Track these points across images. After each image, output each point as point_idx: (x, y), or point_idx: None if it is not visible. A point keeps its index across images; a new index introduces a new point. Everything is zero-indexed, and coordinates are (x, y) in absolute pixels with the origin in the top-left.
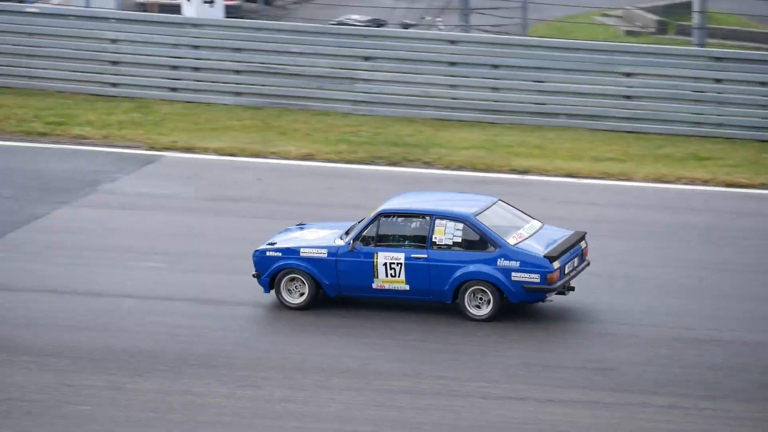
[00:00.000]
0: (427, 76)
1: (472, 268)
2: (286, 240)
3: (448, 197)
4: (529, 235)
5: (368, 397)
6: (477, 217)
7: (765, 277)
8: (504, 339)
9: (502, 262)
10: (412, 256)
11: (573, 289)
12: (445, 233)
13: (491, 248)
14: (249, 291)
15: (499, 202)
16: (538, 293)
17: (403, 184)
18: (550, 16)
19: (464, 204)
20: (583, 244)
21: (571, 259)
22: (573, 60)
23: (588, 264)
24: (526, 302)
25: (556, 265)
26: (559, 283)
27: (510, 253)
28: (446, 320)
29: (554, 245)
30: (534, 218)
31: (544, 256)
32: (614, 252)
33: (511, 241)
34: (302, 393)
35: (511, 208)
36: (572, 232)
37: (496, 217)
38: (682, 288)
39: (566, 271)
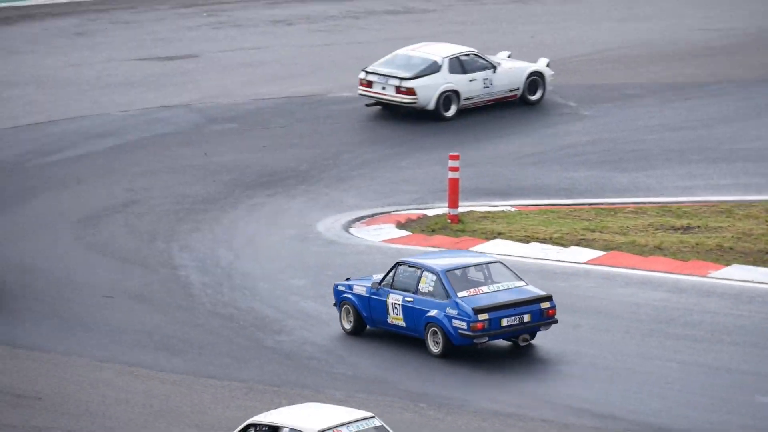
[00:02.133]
0: None
1: (432, 312)
2: (360, 277)
3: (456, 255)
4: (491, 291)
5: None
6: (448, 273)
7: None
8: None
9: (449, 310)
10: (406, 299)
11: (527, 340)
12: (426, 282)
13: (447, 298)
14: None
15: (498, 263)
16: (468, 338)
17: None
18: None
19: (453, 260)
20: (545, 305)
21: (517, 315)
22: None
23: (553, 322)
24: (463, 345)
25: (483, 317)
26: (484, 333)
27: (453, 304)
28: None
29: (496, 301)
30: (522, 279)
31: (472, 308)
32: None
33: (463, 294)
34: None
35: (506, 269)
36: (538, 293)
37: (476, 273)
38: None
39: (502, 324)
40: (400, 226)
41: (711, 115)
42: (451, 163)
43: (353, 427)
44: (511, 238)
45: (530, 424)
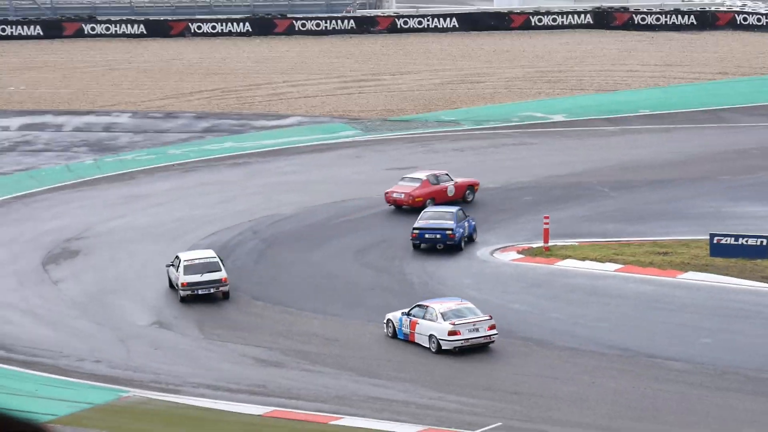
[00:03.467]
0: None
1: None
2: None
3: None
4: (463, 320)
5: None
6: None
7: None
8: None
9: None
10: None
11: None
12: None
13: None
14: None
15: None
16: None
17: None
18: None
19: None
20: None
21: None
22: None
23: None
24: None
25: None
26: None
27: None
28: None
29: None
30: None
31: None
32: None
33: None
34: None
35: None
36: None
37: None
38: None
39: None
40: (519, 252)
41: (677, 196)
42: (545, 220)
43: None
44: (575, 258)
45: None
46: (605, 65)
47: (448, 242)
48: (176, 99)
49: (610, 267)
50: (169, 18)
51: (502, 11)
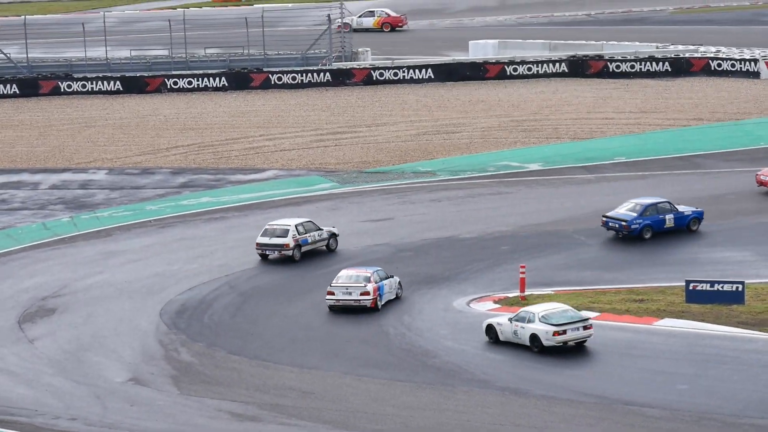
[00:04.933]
0: None
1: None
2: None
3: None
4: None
5: None
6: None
7: None
8: None
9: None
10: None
11: None
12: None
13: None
14: None
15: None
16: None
17: None
18: None
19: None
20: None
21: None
22: None
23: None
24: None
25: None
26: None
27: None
28: None
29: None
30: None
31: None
32: None
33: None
34: None
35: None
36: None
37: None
38: None
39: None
40: (496, 302)
41: (653, 243)
42: (522, 269)
43: None
44: None
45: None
46: (581, 113)
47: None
48: (153, 155)
49: (587, 315)
50: (146, 74)
51: (477, 61)
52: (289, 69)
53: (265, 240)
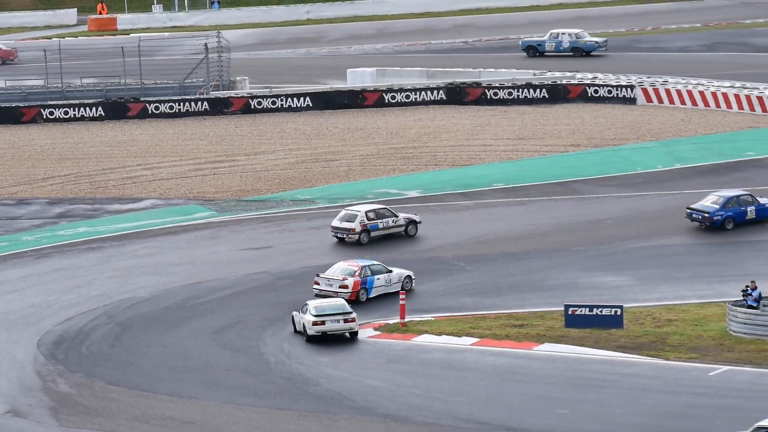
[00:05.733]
0: None
1: None
2: None
3: None
4: None
5: None
6: None
7: None
8: None
9: None
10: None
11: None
12: None
13: None
14: None
15: None
16: None
17: None
18: None
19: None
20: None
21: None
22: None
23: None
24: None
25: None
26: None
27: None
28: None
29: None
30: None
31: None
32: None
33: None
34: None
35: None
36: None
37: None
38: None
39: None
40: (376, 329)
41: (532, 269)
42: (401, 296)
43: None
44: (431, 333)
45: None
46: (459, 140)
47: None
48: (29, 185)
49: (467, 341)
50: (21, 105)
51: (355, 89)
52: (167, 98)
53: (337, 223)
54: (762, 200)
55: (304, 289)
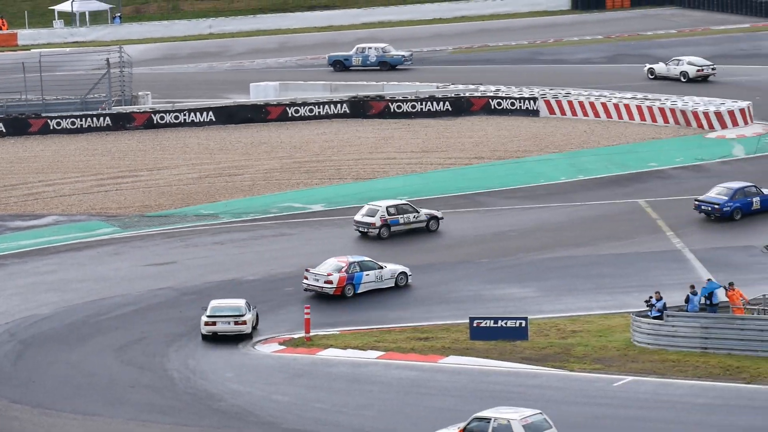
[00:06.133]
0: None
1: None
2: None
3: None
4: None
5: None
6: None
7: None
8: None
9: None
10: None
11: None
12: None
13: None
14: None
15: None
16: None
17: None
18: None
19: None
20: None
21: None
22: None
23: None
24: None
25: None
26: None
27: None
28: None
29: None
30: None
31: None
32: None
33: None
34: None
35: None
36: None
37: None
38: None
39: None
40: (281, 343)
41: (437, 281)
42: (306, 310)
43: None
44: (337, 347)
45: None
46: (363, 153)
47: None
48: None
49: (372, 354)
50: None
51: (258, 103)
52: (69, 114)
53: (359, 218)
54: (765, 191)
55: (208, 304)
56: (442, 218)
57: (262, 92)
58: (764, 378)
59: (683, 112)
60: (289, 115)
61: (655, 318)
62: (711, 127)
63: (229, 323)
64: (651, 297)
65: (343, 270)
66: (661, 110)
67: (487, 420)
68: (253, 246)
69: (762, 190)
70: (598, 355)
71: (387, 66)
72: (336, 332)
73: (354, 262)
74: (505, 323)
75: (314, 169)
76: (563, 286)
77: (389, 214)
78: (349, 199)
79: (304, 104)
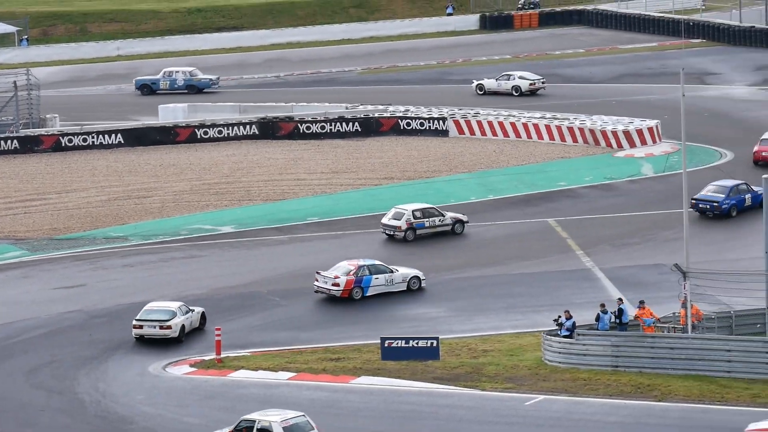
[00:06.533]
0: None
1: None
2: None
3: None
4: None
5: None
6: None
7: None
8: None
9: None
10: None
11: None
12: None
13: None
14: None
15: None
16: None
17: None
18: None
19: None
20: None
21: None
22: None
23: None
24: None
25: None
26: None
27: None
28: None
29: None
30: None
31: None
32: None
33: None
34: None
35: None
36: None
37: None
38: None
39: None
40: (192, 365)
41: (349, 302)
42: (216, 332)
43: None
44: (248, 368)
45: None
46: (272, 175)
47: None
48: None
49: (284, 375)
50: None
51: (167, 125)
52: None
53: (386, 221)
54: (756, 189)
55: (120, 326)
56: (467, 222)
57: (170, 114)
58: (675, 396)
59: (592, 131)
60: (198, 136)
61: (564, 337)
62: (620, 146)
63: (154, 327)
64: (560, 316)
65: (352, 273)
66: (570, 129)
67: (252, 422)
68: (163, 268)
69: (752, 187)
70: (509, 375)
71: (194, 89)
72: (247, 354)
73: (364, 266)
74: (417, 343)
75: (224, 191)
76: (474, 306)
77: (415, 217)
78: (259, 220)
79: (213, 126)
